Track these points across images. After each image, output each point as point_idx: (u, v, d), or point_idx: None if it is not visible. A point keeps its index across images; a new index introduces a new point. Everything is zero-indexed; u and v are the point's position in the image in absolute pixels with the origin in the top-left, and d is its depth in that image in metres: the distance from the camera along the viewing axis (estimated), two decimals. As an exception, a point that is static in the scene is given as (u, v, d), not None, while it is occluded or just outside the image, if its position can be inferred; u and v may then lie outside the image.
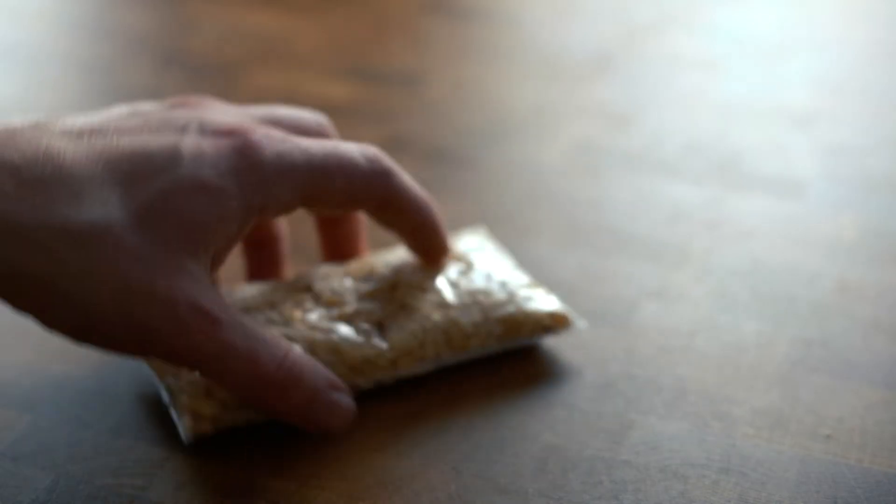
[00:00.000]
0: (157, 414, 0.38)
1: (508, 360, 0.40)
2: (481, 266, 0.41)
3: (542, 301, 0.40)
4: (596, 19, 0.68)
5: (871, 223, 0.48)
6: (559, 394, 0.39)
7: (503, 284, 0.40)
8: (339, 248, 0.42)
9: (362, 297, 0.39)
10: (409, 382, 0.39)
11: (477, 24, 0.67)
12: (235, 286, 0.41)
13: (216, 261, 0.35)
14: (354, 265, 0.41)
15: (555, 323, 0.40)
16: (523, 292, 0.40)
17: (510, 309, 0.39)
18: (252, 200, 0.35)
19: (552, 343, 0.41)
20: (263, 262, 0.42)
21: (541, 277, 0.45)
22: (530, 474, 0.36)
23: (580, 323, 0.40)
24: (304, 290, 0.39)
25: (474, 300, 0.39)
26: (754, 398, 0.39)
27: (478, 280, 0.40)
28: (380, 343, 0.38)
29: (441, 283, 0.40)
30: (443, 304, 0.39)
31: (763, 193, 0.50)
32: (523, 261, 0.46)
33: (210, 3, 0.70)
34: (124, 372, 0.40)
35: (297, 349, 0.35)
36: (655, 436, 0.37)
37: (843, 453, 0.36)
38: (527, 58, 0.63)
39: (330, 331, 0.38)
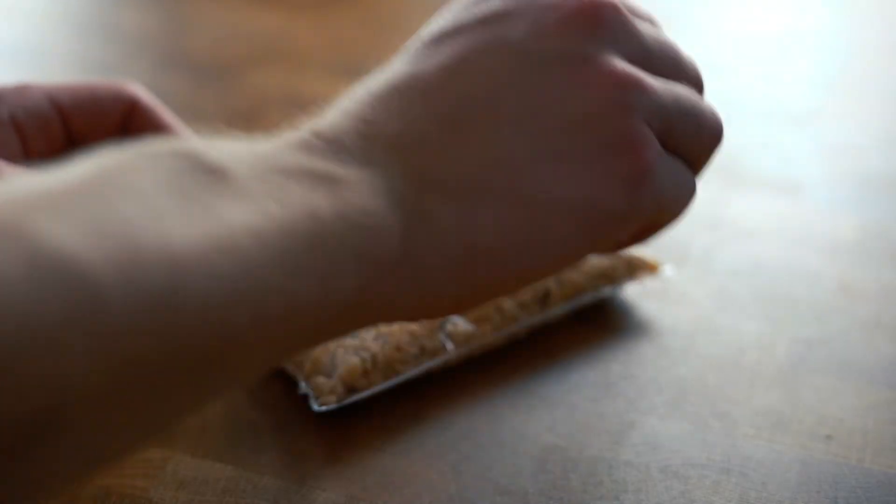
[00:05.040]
0: (157, 414, 0.38)
1: (508, 359, 0.40)
2: None
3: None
4: (596, 19, 0.67)
5: (871, 223, 0.48)
6: (559, 394, 0.39)
7: None
8: None
9: None
10: (409, 381, 0.39)
11: (477, 24, 0.67)
12: None
13: None
14: None
15: (645, 267, 0.43)
16: None
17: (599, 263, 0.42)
18: None
19: (552, 343, 0.41)
20: None
21: (541, 277, 0.45)
22: (530, 474, 0.36)
23: (667, 269, 0.43)
24: None
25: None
26: (754, 398, 0.39)
27: None
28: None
29: None
30: None
31: (763, 193, 0.50)
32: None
33: (210, 3, 0.70)
34: (124, 372, 0.40)
35: None
36: (656, 436, 0.37)
37: (844, 453, 0.36)
38: (527, 58, 0.63)
39: None
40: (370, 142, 0.29)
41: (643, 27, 0.31)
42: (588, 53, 0.29)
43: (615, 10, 0.30)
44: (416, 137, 0.29)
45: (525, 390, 0.39)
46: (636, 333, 0.42)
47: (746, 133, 0.55)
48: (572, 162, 0.29)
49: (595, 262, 0.42)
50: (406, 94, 0.30)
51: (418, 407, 0.38)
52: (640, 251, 0.43)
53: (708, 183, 0.51)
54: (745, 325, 0.42)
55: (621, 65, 0.30)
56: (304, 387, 0.38)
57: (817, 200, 0.50)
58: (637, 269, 0.42)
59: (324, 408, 0.37)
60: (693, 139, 0.32)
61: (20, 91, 0.38)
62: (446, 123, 0.29)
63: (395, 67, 0.31)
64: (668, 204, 0.31)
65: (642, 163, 0.29)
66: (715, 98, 0.58)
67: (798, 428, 0.37)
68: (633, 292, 0.44)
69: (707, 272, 0.45)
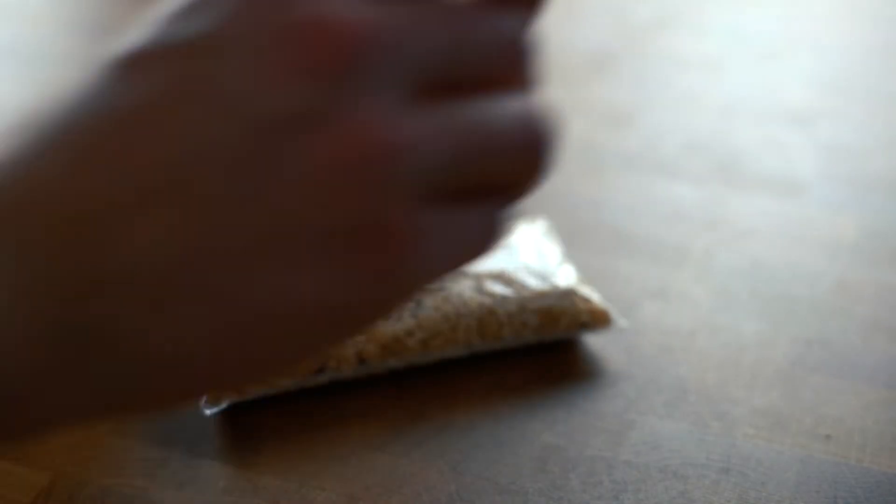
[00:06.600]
0: (157, 414, 0.38)
1: (508, 360, 0.40)
2: (526, 256, 0.41)
3: (583, 297, 0.40)
4: (596, 19, 0.68)
5: (871, 223, 0.48)
6: (559, 394, 0.39)
7: (545, 276, 0.40)
8: None
9: None
10: (409, 381, 0.39)
11: (477, 25, 0.67)
12: None
13: None
14: None
15: (594, 320, 0.40)
16: (564, 286, 0.40)
17: (548, 302, 0.40)
18: None
19: (552, 343, 0.41)
20: None
21: (541, 277, 0.45)
22: (530, 474, 0.36)
23: (621, 322, 0.41)
24: None
25: (513, 290, 0.39)
26: (754, 398, 0.39)
27: (519, 269, 0.40)
28: (409, 319, 0.38)
29: (482, 268, 0.40)
30: (481, 290, 0.39)
31: (763, 193, 0.50)
32: (523, 261, 0.46)
33: (210, 4, 0.70)
34: (124, 372, 0.40)
35: None
36: (655, 436, 0.37)
37: (843, 453, 0.36)
38: (527, 58, 0.63)
39: None
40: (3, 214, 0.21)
41: (425, 25, 0.23)
42: (323, 112, 0.22)
43: (364, 38, 0.22)
44: (81, 213, 0.21)
45: (525, 390, 0.39)
46: (635, 333, 0.42)
47: (746, 133, 0.55)
48: (298, 258, 0.22)
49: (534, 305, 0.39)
50: (74, 144, 0.22)
51: (418, 407, 0.38)
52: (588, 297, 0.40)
53: (708, 183, 0.51)
54: (745, 324, 0.42)
55: (371, 124, 0.22)
56: None
57: (817, 200, 0.50)
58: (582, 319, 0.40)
59: (214, 409, 0.37)
60: (494, 173, 0.24)
61: None
62: (127, 196, 0.21)
63: (75, 94, 0.22)
64: (444, 270, 0.24)
65: (393, 254, 0.23)
66: (715, 98, 0.59)
67: (797, 427, 0.37)
68: (634, 293, 0.44)
69: (707, 272, 0.45)
